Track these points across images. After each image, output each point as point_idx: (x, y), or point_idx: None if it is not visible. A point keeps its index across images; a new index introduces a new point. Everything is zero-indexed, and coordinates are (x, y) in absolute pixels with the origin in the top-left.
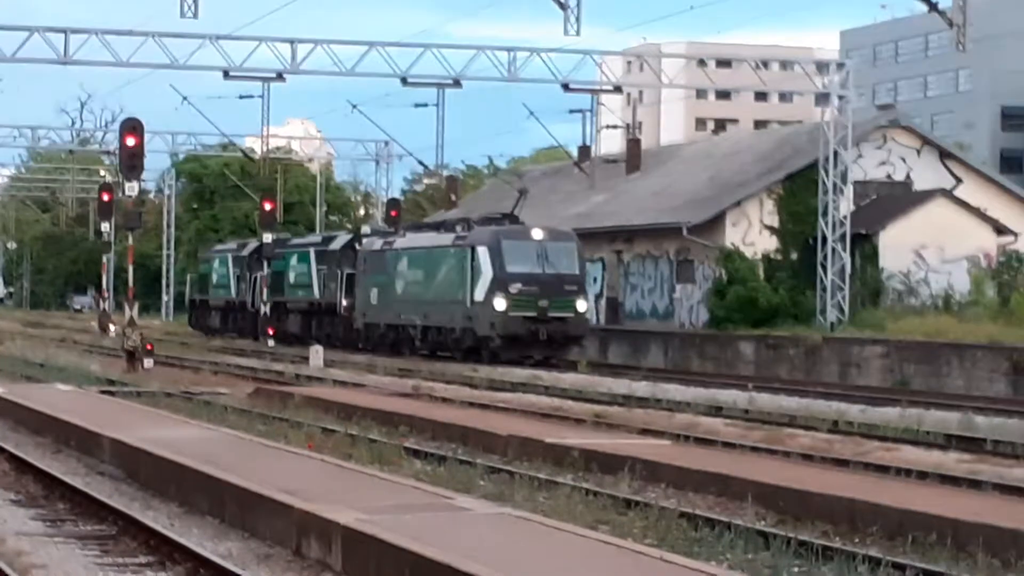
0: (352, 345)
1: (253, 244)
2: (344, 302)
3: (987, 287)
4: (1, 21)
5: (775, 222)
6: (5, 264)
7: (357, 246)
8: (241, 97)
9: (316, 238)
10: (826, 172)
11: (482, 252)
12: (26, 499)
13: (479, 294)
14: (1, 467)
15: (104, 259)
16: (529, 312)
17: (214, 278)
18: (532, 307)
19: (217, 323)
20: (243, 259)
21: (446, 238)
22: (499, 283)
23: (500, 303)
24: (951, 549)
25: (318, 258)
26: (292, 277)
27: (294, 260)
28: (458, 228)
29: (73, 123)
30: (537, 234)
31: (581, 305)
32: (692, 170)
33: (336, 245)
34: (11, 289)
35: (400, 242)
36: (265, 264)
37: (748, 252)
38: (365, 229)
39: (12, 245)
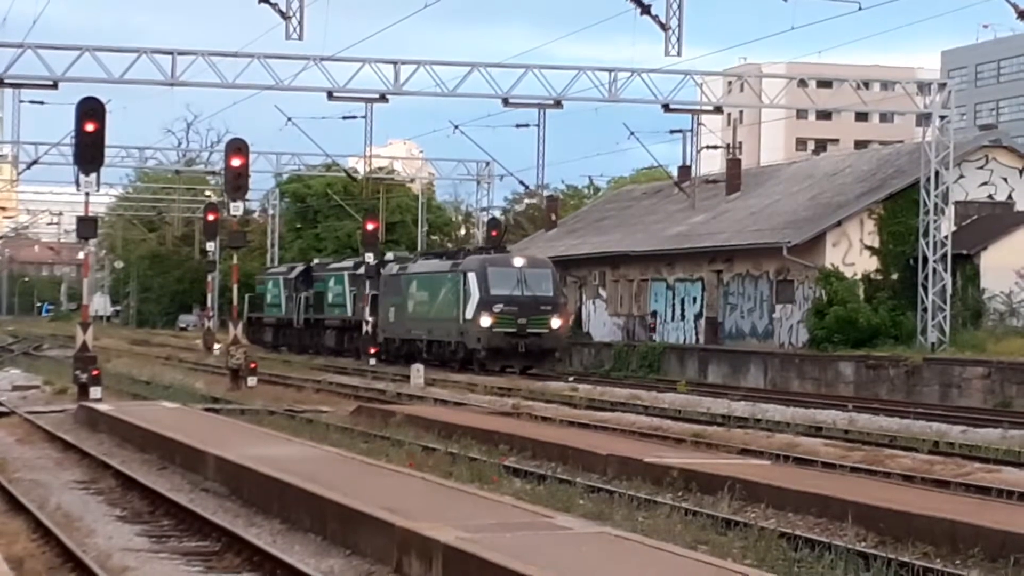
0: (376, 357)
1: (300, 267)
2: (370, 319)
3: None
4: (110, 44)
5: (875, 242)
6: (112, 283)
7: (382, 270)
8: (344, 118)
9: (349, 263)
10: (927, 192)
11: (471, 277)
12: (131, 515)
13: (469, 313)
14: (107, 484)
15: (209, 278)
16: (510, 328)
17: (267, 298)
18: (512, 324)
19: (269, 338)
20: (291, 281)
21: (445, 265)
22: (485, 304)
23: (486, 320)
24: None
25: (351, 281)
26: (330, 297)
27: (332, 282)
28: (457, 256)
29: (179, 143)
30: (518, 262)
31: (555, 323)
32: (792, 190)
33: (364, 269)
34: (118, 307)
35: (412, 267)
36: (367, 284)
37: (848, 272)
38: (388, 255)
39: (119, 264)
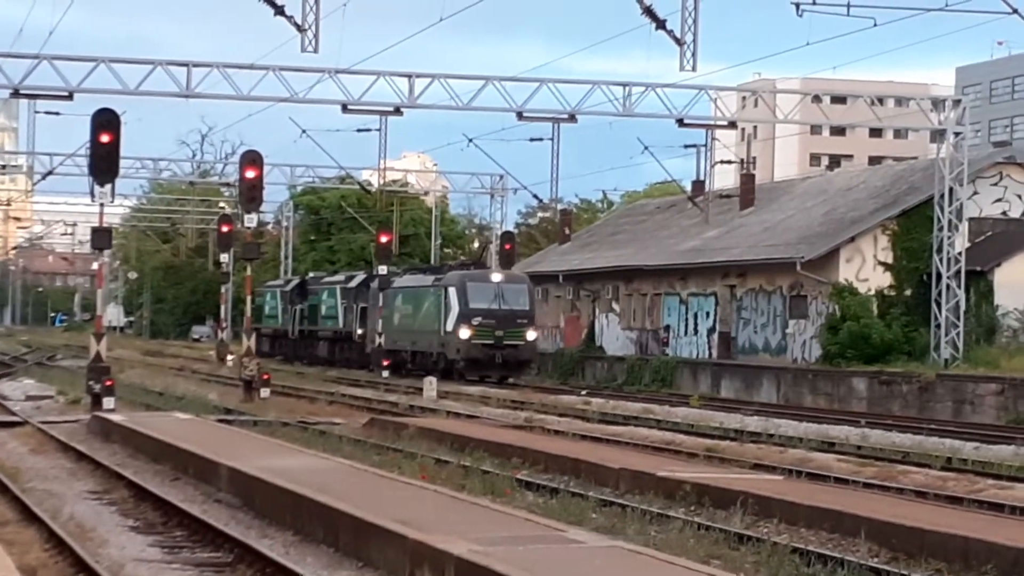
0: (365, 367)
1: (296, 281)
2: (359, 331)
3: None
4: (126, 55)
5: (889, 258)
6: (126, 293)
7: (371, 284)
8: (359, 130)
9: (341, 277)
10: (941, 208)
11: (452, 291)
12: (144, 526)
13: (449, 325)
14: (120, 494)
15: (222, 289)
16: (488, 340)
17: (266, 309)
18: (490, 336)
19: (267, 348)
20: (287, 294)
21: (428, 279)
22: (464, 317)
23: (465, 332)
24: None
25: (342, 294)
26: (323, 310)
27: (325, 295)
28: (439, 271)
29: (194, 155)
30: (496, 277)
31: (530, 335)
32: (806, 205)
33: (353, 283)
34: (132, 318)
35: (398, 282)
36: (381, 298)
37: (862, 288)
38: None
39: (133, 275)
